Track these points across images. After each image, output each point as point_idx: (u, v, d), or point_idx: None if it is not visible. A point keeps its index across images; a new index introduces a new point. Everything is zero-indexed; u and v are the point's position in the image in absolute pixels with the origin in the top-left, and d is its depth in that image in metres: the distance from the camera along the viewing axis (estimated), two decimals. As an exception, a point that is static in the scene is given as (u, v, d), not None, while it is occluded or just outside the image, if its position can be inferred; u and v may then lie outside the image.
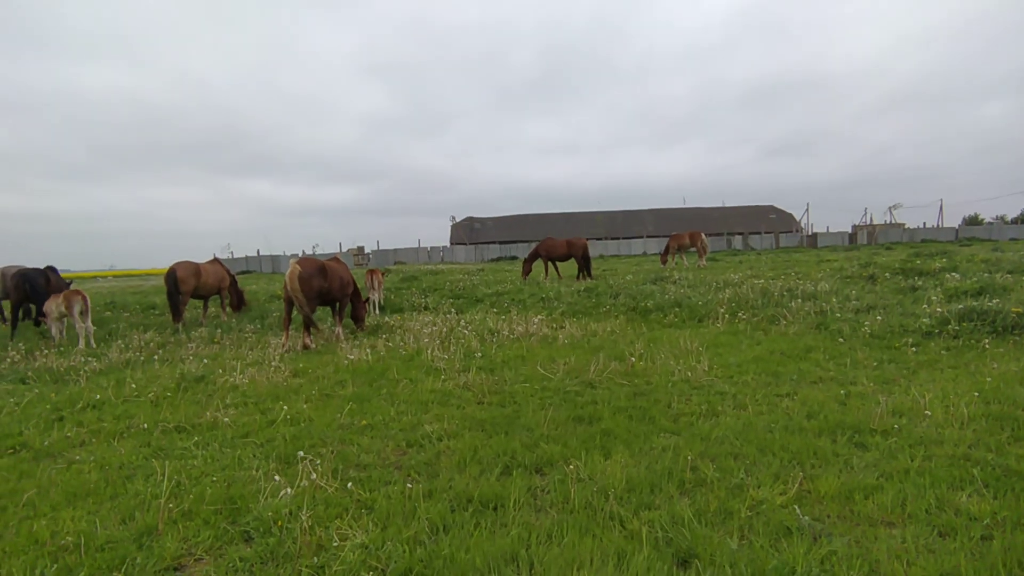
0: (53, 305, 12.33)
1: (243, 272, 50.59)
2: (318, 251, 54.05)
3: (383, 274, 16.61)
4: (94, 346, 11.41)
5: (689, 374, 6.95)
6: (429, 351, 8.94)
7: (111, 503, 4.22)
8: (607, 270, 26.46)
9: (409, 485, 4.14)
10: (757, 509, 3.66)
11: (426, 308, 15.36)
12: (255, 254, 56.53)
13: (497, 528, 3.50)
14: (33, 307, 15.35)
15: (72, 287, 14.12)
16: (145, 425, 5.97)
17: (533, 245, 55.54)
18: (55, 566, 3.35)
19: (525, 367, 7.95)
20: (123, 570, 3.29)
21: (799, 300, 11.63)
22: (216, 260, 15.77)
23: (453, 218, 76.64)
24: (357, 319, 12.13)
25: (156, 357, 9.72)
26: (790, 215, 71.45)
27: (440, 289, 18.77)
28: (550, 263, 23.04)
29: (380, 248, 57.34)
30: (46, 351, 10.75)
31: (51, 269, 16.33)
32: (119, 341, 11.42)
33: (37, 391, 7.63)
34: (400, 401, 6.49)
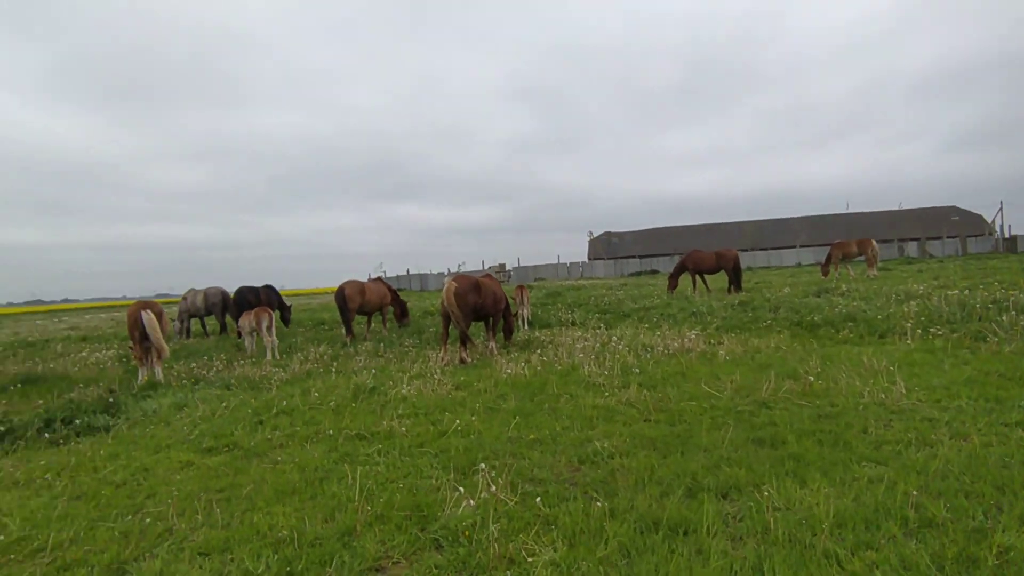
0: (246, 321, 13.98)
1: (396, 290, 54.19)
2: (463, 268, 56.58)
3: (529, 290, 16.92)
4: (279, 357, 12.73)
5: (883, 396, 6.18)
6: (585, 366, 8.85)
7: (312, 502, 4.59)
8: (759, 283, 24.78)
9: (592, 504, 4.05)
10: (1006, 557, 3.10)
11: (573, 323, 15.33)
12: (405, 273, 60.52)
13: (694, 556, 3.29)
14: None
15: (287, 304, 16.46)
16: (330, 431, 6.48)
17: (674, 259, 53.77)
18: (276, 556, 3.68)
19: (687, 384, 7.57)
20: (332, 566, 3.53)
21: (1012, 314, 9.97)
22: (379, 279, 16.99)
23: (591, 233, 76.43)
24: (507, 332, 12.39)
25: (332, 368, 10.59)
26: (979, 216, 62.12)
27: (585, 304, 18.68)
28: (698, 276, 22.04)
29: (520, 265, 58.67)
30: (242, 361, 12.18)
31: (269, 288, 18.75)
32: (299, 354, 12.64)
33: (240, 397, 8.63)
34: (564, 416, 6.46)
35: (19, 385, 10.74)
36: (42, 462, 6.15)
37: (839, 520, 3.55)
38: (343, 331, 15.45)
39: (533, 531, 3.73)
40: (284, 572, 3.50)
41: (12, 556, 4.05)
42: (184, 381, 10.09)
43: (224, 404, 8.16)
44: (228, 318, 19.20)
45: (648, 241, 72.34)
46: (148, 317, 10.48)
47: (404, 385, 8.46)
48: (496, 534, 3.60)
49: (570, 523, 3.79)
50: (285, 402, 7.93)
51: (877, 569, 3.04)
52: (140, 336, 10.62)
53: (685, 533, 3.56)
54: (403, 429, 6.34)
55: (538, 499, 4.06)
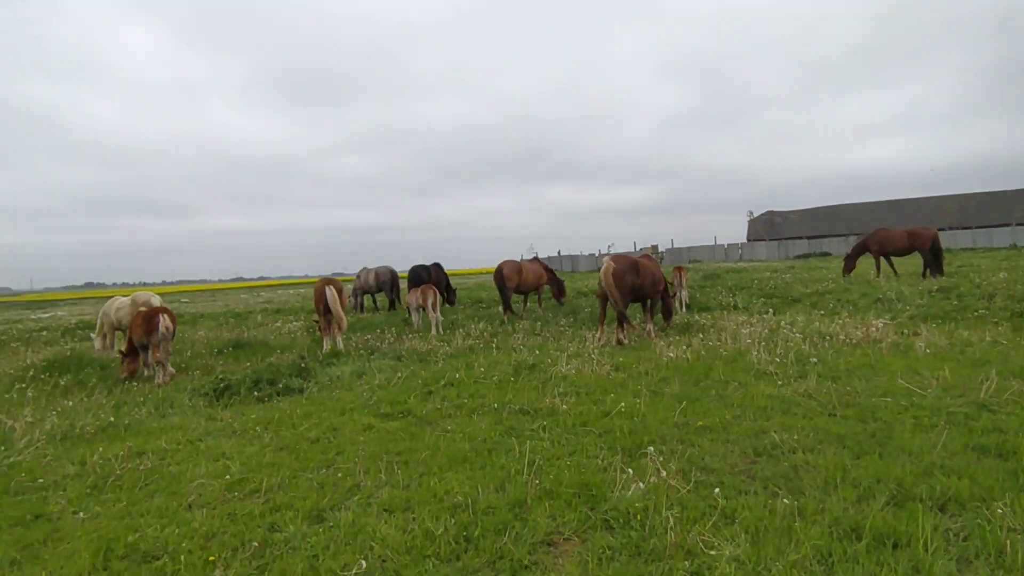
0: (412, 297, 14.95)
1: (545, 271, 54.96)
2: (613, 250, 55.83)
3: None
4: (442, 333, 13.46)
5: None
6: (754, 353, 8.25)
7: (482, 472, 4.75)
8: (963, 266, 21.47)
9: (776, 500, 3.73)
10: None
11: (736, 307, 14.40)
12: (556, 254, 61.13)
13: (910, 573, 2.88)
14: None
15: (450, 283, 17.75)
16: (495, 405, 6.69)
17: (850, 240, 48.39)
18: (453, 520, 3.86)
19: (878, 378, 6.74)
20: (507, 535, 3.61)
21: None
22: (535, 259, 17.28)
23: (751, 213, 71.35)
24: (667, 314, 11.94)
25: (493, 345, 10.97)
26: None
27: (748, 288, 17.47)
28: (883, 258, 19.59)
29: (674, 246, 56.58)
30: (410, 335, 13.05)
31: (436, 266, 20.10)
32: (461, 330, 13.25)
33: (411, 368, 9.24)
34: (734, 404, 6.06)
35: (231, 349, 12.47)
36: (253, 416, 7.06)
37: (1105, 550, 2.91)
38: (501, 309, 15.95)
39: (710, 523, 3.52)
40: (461, 536, 3.65)
41: (236, 494, 4.69)
42: (361, 351, 11.03)
43: (397, 374, 8.79)
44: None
45: (817, 220, 65.90)
46: (331, 292, 11.56)
47: (563, 363, 8.50)
48: (671, 521, 3.45)
49: (751, 518, 3.52)
50: (452, 375, 8.34)
51: None
52: (324, 309, 11.80)
53: (896, 546, 3.14)
54: (565, 407, 6.36)
55: (716, 490, 3.83)
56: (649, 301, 11.44)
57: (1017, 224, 48.01)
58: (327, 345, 11.72)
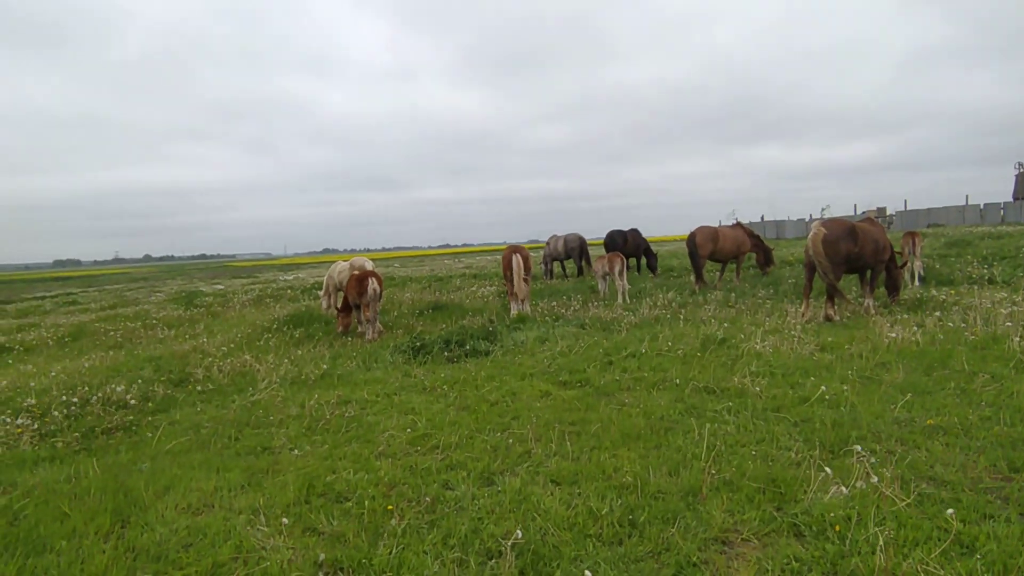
0: (599, 265, 14.74)
1: (746, 238, 50.85)
2: (827, 213, 49.48)
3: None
4: (628, 301, 13.08)
5: None
6: (1016, 339, 6.62)
7: (656, 452, 4.44)
8: None
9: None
10: None
11: (991, 281, 11.78)
12: (759, 220, 56.16)
13: None
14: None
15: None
16: (677, 381, 6.26)
17: None
18: (619, 501, 3.64)
19: None
20: (675, 526, 3.30)
21: None
22: (738, 224, 15.94)
23: (1019, 165, 58.03)
24: (893, 289, 10.16)
25: (680, 316, 10.36)
26: None
27: (1011, 258, 14.22)
28: None
29: (908, 208, 48.37)
30: (596, 303, 12.90)
31: (634, 231, 19.90)
32: (648, 299, 12.76)
33: (593, 337, 9.09)
34: (982, 403, 4.91)
35: (430, 311, 13.49)
36: (442, 375, 7.51)
37: None
38: (692, 278, 15.06)
39: (938, 549, 2.84)
40: (626, 520, 3.42)
41: (419, 448, 4.99)
42: (547, 318, 11.17)
43: (579, 342, 8.71)
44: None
45: (1124, 172, 51.32)
46: (516, 260, 12.06)
47: (757, 340, 7.67)
48: (882, 540, 2.84)
49: (1001, 554, 2.76)
50: (634, 346, 8.02)
51: None
52: (510, 275, 12.20)
53: None
54: (756, 388, 5.71)
55: (950, 510, 3.07)
56: (869, 272, 9.83)
57: None
58: (515, 310, 12.10)
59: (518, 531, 3.16)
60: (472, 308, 13.50)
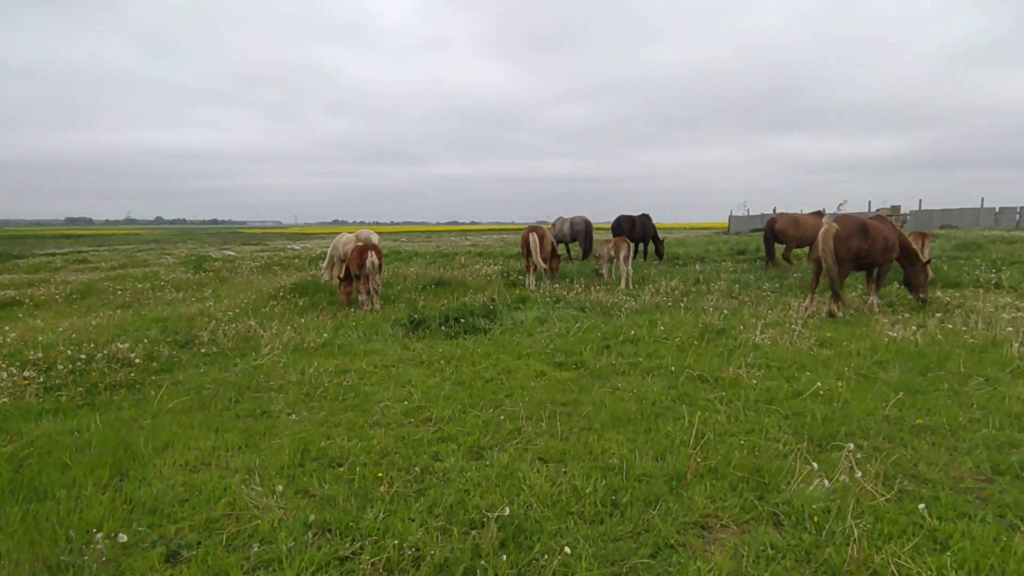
0: (604, 249, 14.72)
1: (756, 230, 50.60)
2: (843, 209, 48.97)
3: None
4: (631, 287, 13.10)
5: None
6: (1015, 344, 6.61)
7: (645, 436, 4.51)
8: None
9: (1013, 535, 2.94)
10: None
11: (998, 286, 11.71)
12: (771, 211, 55.80)
13: None
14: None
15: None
16: (672, 368, 6.30)
17: None
18: (604, 482, 3.71)
19: None
20: (657, 508, 3.37)
21: None
22: (819, 213, 16.22)
23: (1039, 170, 57.06)
24: (914, 287, 10.01)
25: (682, 304, 10.37)
26: None
27: (1022, 263, 14.09)
28: None
29: (922, 208, 47.82)
30: (598, 287, 12.92)
31: (645, 216, 19.86)
32: (650, 285, 12.76)
33: (592, 321, 9.13)
34: (973, 405, 4.93)
35: (433, 287, 13.55)
36: (440, 350, 7.58)
37: None
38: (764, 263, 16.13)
39: (910, 544, 2.89)
40: (609, 500, 3.49)
41: (412, 420, 5.07)
42: (547, 299, 11.21)
43: (578, 325, 8.75)
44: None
45: None
46: (533, 239, 13.29)
47: (757, 332, 7.70)
48: (856, 532, 2.90)
49: (973, 552, 2.81)
50: (632, 331, 8.05)
51: None
52: (527, 252, 13.49)
53: None
54: (751, 380, 5.75)
55: (922, 505, 3.13)
56: (877, 270, 9.78)
57: None
58: (530, 283, 13.32)
59: (505, 506, 3.24)
60: (475, 286, 13.55)
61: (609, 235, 18.79)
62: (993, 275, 12.58)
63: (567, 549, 2.89)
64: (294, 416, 5.25)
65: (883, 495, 3.35)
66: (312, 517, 3.32)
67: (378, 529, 3.20)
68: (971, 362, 6.16)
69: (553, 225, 21.02)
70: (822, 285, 9.71)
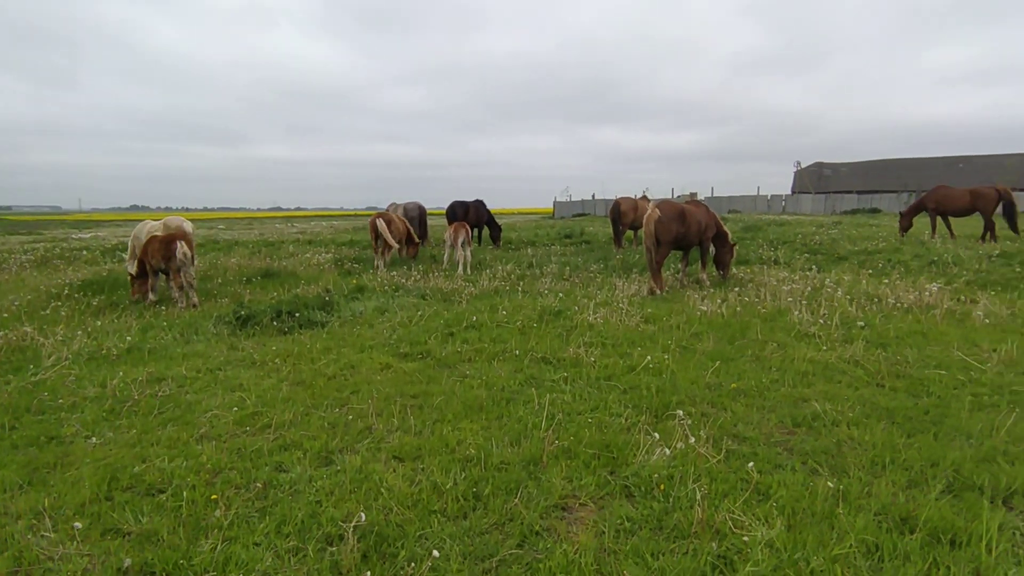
0: (446, 235, 14.66)
1: (579, 215, 54.03)
2: (648, 195, 54.08)
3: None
4: (470, 273, 13.20)
5: None
6: (795, 312, 7.77)
7: (498, 422, 4.53)
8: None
9: (816, 479, 3.41)
10: None
11: (776, 262, 13.74)
12: (591, 198, 59.89)
13: (971, 579, 2.56)
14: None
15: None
16: (517, 352, 6.43)
17: (902, 196, 45.94)
18: (464, 475, 3.65)
19: (931, 347, 6.25)
20: (518, 495, 3.39)
21: None
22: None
23: (798, 164, 68.07)
24: (722, 265, 11.30)
25: (519, 288, 10.67)
26: None
27: (791, 242, 16.68)
28: (939, 218, 18.40)
29: (714, 195, 54.73)
30: (436, 273, 12.83)
31: (479, 202, 19.82)
32: (488, 271, 12.97)
33: (434, 308, 9.03)
34: (772, 367, 5.69)
35: (260, 278, 12.46)
36: (273, 347, 6.96)
37: None
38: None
39: (741, 499, 3.23)
40: (471, 493, 3.44)
41: (247, 428, 4.57)
42: (386, 288, 10.86)
43: (420, 313, 8.59)
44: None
45: (869, 174, 62.73)
46: (380, 223, 13.84)
47: (590, 312, 8.17)
48: (698, 495, 3.16)
49: (788, 498, 3.21)
50: (474, 317, 8.09)
51: None
52: (375, 237, 14.10)
53: (953, 544, 2.80)
54: (590, 359, 6.07)
55: (750, 464, 3.51)
56: (693, 250, 10.94)
57: (1089, 188, 44.77)
58: (379, 266, 13.79)
59: (361, 513, 3.02)
60: (307, 276, 12.72)
61: (443, 221, 18.84)
62: (772, 253, 14.75)
63: (435, 552, 2.78)
64: (95, 439, 4.45)
65: (715, 457, 3.71)
66: (128, 561, 2.82)
67: (216, 562, 2.81)
68: (765, 329, 7.11)
69: (387, 211, 20.45)
70: (642, 265, 10.61)
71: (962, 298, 9.00)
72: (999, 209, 16.93)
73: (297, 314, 8.32)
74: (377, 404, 4.92)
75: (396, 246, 14.43)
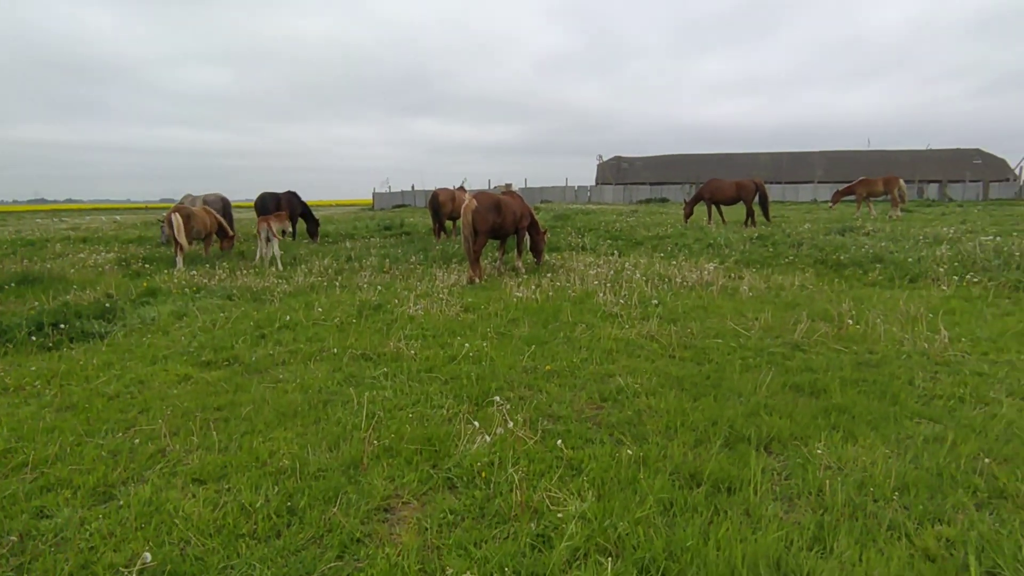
0: (257, 228, 13.50)
1: (399, 206, 53.31)
2: (466, 185, 55.11)
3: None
4: (281, 268, 12.33)
5: (925, 345, 5.77)
6: (600, 295, 8.43)
7: (315, 427, 4.28)
8: (775, 217, 24.02)
9: (621, 449, 3.71)
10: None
11: (584, 248, 14.82)
12: (410, 189, 59.32)
13: (743, 520, 2.96)
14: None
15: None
16: (335, 350, 6.14)
17: (686, 187, 52.35)
18: (276, 489, 3.37)
19: (711, 319, 7.18)
20: (338, 503, 3.22)
21: (1054, 263, 9.45)
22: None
23: (600, 157, 74.13)
24: (536, 252, 11.86)
25: (336, 283, 10.20)
26: (1002, 161, 59.84)
27: (596, 229, 18.09)
28: (714, 207, 21.26)
29: (527, 186, 57.39)
30: (245, 271, 11.78)
31: (291, 194, 18.37)
32: (303, 266, 12.23)
33: (242, 309, 8.27)
34: (581, 347, 6.09)
35: (14, 285, 10.38)
36: (33, 368, 5.84)
37: (900, 485, 3.20)
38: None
39: (556, 476, 3.41)
40: (284, 508, 3.19)
41: (-6, 470, 3.77)
42: (185, 289, 9.71)
43: (225, 315, 7.81)
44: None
45: (659, 168, 70.41)
46: (176, 219, 12.90)
47: (411, 304, 8.08)
48: (516, 479, 3.27)
49: (597, 469, 3.46)
50: (288, 316, 7.58)
51: (953, 548, 2.70)
52: (172, 232, 13.09)
53: (730, 491, 3.23)
54: (411, 352, 5.99)
55: (552, 436, 3.71)
56: (510, 239, 11.33)
57: (819, 182, 54.99)
58: (178, 263, 12.59)
59: (146, 553, 2.64)
60: (81, 280, 10.87)
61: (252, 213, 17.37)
62: (580, 240, 15.87)
63: (241, 581, 2.52)
64: None
65: (532, 438, 3.87)
66: None
67: (-51, 641, 2.27)
68: (575, 312, 7.62)
69: (182, 203, 18.26)
70: (462, 255, 10.76)
71: (732, 275, 10.49)
72: (756, 198, 20.02)
73: (65, 325, 7.08)
74: (172, 422, 4.36)
75: (187, 247, 13.26)
